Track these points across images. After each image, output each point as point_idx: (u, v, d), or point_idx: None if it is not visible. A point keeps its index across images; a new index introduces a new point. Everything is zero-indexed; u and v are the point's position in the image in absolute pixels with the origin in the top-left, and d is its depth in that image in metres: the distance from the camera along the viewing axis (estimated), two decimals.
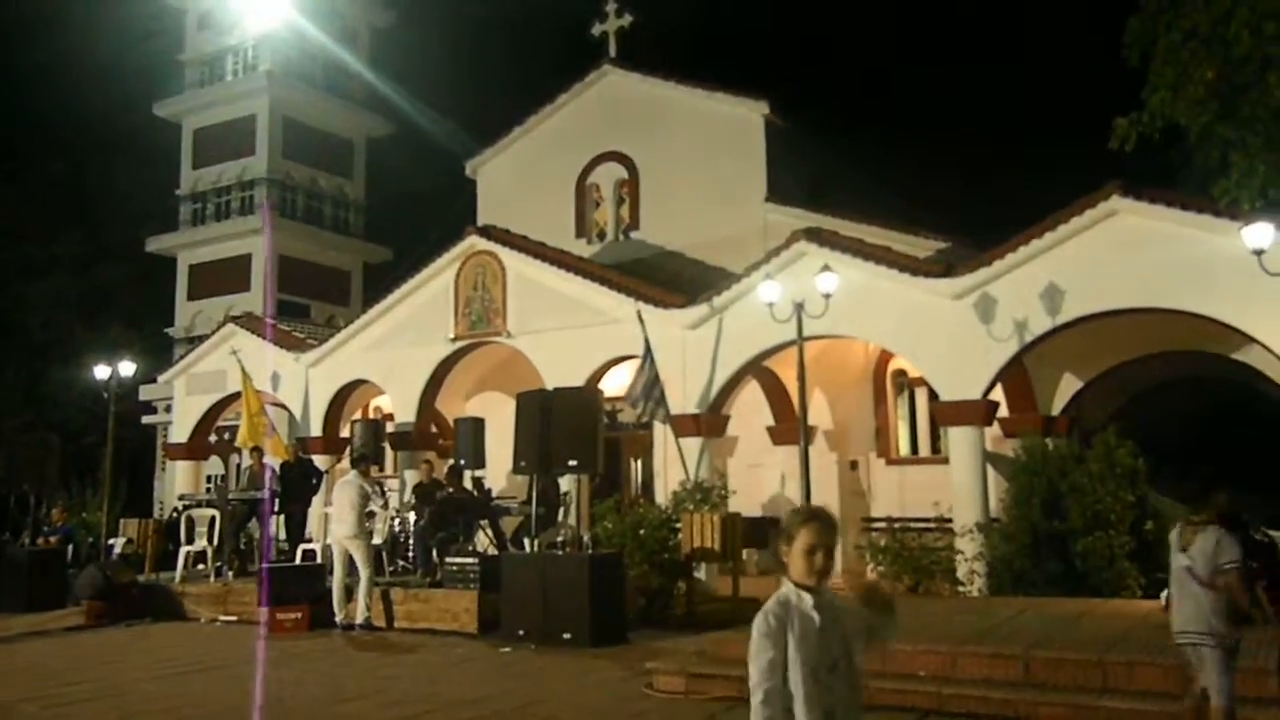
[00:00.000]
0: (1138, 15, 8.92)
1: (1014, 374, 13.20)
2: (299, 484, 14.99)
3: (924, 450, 16.27)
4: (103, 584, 13.17)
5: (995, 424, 13.39)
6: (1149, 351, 13.82)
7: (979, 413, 12.48)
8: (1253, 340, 11.30)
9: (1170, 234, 11.28)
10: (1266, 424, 13.87)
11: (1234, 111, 8.43)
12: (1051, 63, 41.79)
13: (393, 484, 17.07)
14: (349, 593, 11.70)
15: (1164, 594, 9.24)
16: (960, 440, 12.58)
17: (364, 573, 11.58)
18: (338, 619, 11.62)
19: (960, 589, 11.63)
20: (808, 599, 3.08)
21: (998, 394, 13.04)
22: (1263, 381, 12.97)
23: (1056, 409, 14.39)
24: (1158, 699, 6.36)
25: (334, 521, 11.89)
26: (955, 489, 12.48)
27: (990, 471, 12.55)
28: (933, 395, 13.36)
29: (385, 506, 12.44)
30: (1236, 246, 9.80)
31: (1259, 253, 9.45)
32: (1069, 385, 14.40)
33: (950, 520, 12.37)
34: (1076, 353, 13.66)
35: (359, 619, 11.48)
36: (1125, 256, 11.53)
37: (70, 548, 16.39)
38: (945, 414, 12.90)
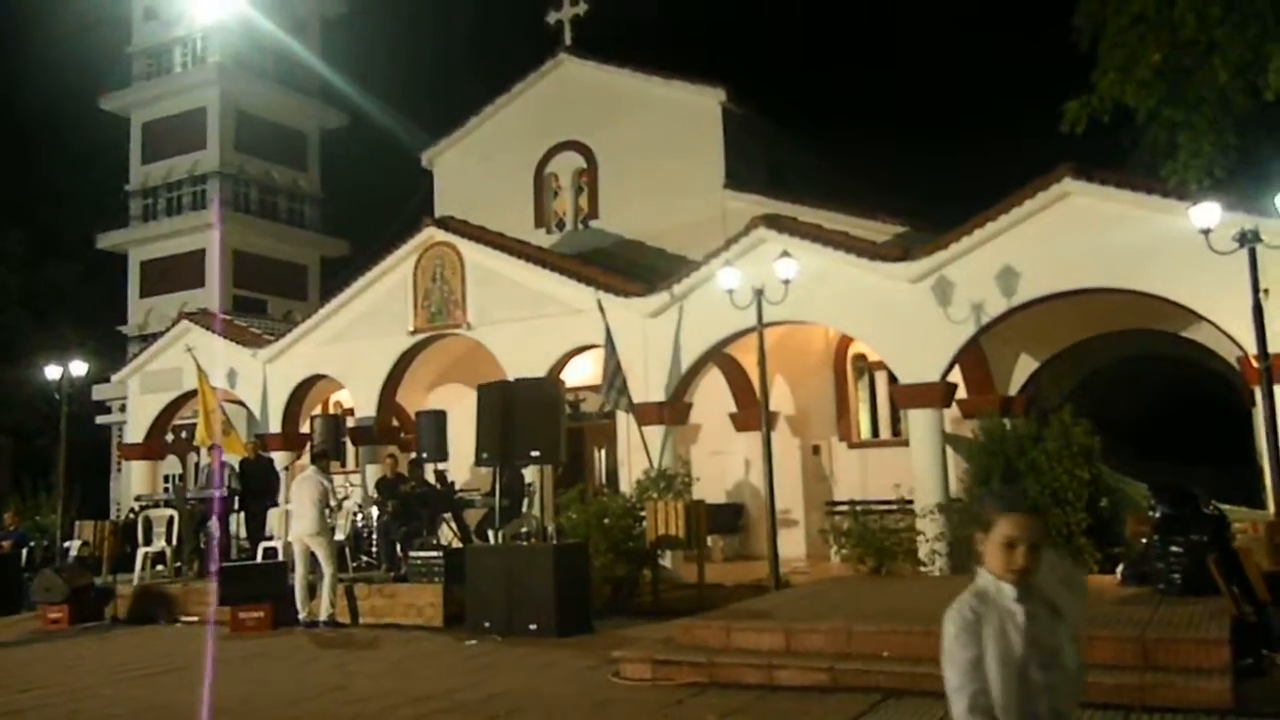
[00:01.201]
0: None
1: (971, 356, 13.36)
2: (260, 481, 14.81)
3: (885, 433, 16.43)
4: (59, 588, 12.93)
5: (954, 405, 13.55)
6: (1103, 331, 14.06)
7: (937, 395, 12.61)
8: (1201, 318, 11.53)
9: (1121, 215, 11.46)
10: (1216, 400, 14.16)
11: (1181, 94, 8.58)
12: (1004, 46, 42.24)
13: (354, 479, 16.92)
14: (312, 590, 11.59)
15: (1119, 568, 9.46)
16: (920, 422, 12.71)
17: (327, 570, 11.46)
18: (301, 616, 11.49)
19: (922, 569, 11.78)
20: (1008, 590, 2.67)
21: (956, 376, 13.19)
22: (1212, 358, 13.24)
23: (1014, 389, 14.60)
24: (1112, 671, 6.48)
25: (295, 518, 11.75)
26: (916, 471, 12.62)
27: (950, 452, 12.70)
28: (892, 378, 13.49)
29: (339, 508, 12.32)
30: (1184, 226, 9.97)
31: (1206, 232, 9.62)
32: (1025, 365, 14.60)
33: (911, 502, 12.51)
34: (1032, 333, 13.85)
35: (323, 616, 11.37)
36: (1078, 238, 11.69)
37: (24, 552, 16.09)
38: (904, 396, 13.02)
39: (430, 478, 14.08)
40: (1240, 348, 10.84)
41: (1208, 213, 9.61)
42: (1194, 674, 6.30)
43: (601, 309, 14.20)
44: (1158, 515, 8.78)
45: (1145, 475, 11.45)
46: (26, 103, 34.95)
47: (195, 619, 12.48)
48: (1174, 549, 8.35)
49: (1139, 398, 14.98)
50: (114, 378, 21.30)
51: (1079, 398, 13.30)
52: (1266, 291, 9.51)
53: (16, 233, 32.91)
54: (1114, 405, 13.79)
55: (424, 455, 13.94)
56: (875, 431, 16.62)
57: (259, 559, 13.38)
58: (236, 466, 15.02)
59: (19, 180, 33.93)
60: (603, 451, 18.12)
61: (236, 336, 18.86)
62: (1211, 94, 8.44)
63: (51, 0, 35.67)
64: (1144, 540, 9.06)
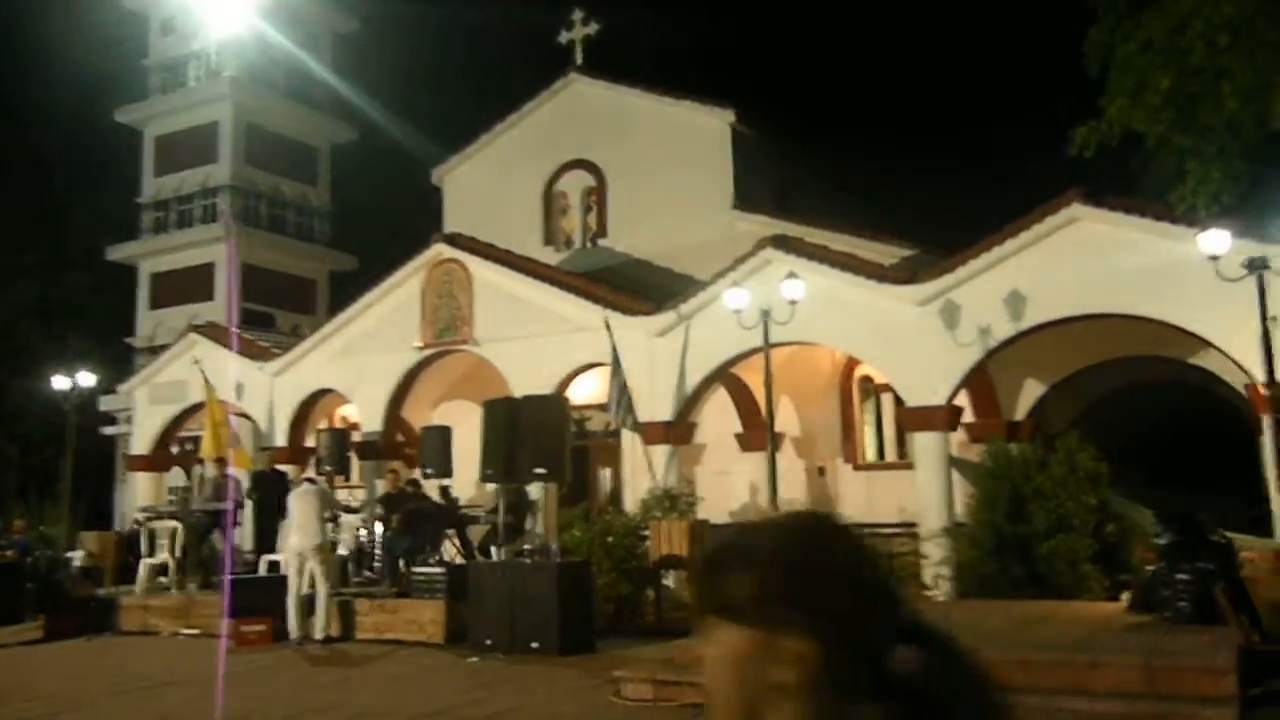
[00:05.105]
0: (1097, 26, 9.08)
1: (978, 379, 13.33)
2: (274, 494, 14.77)
3: (890, 456, 16.37)
4: (61, 598, 12.92)
5: (960, 429, 13.52)
6: (1110, 356, 14.02)
7: (944, 418, 12.59)
8: (1210, 345, 11.50)
9: (1129, 240, 11.46)
10: (1224, 427, 14.10)
11: (1190, 120, 8.59)
12: (1014, 71, 42.38)
13: (359, 494, 16.90)
14: (309, 604, 11.54)
15: (1125, 595, 9.40)
16: (926, 446, 12.67)
17: (324, 587, 11.41)
18: (293, 635, 11.37)
19: (926, 593, 11.72)
20: None
21: (962, 399, 13.17)
22: (1219, 385, 13.20)
23: (1020, 414, 14.56)
24: (1122, 699, 6.44)
25: (295, 532, 11.68)
26: (921, 494, 12.58)
27: (955, 476, 12.66)
28: (898, 401, 13.46)
29: (337, 520, 12.26)
30: (1193, 253, 9.97)
31: (1214, 259, 9.61)
32: (1032, 390, 14.57)
33: (916, 525, 12.47)
34: (1039, 358, 13.82)
35: (318, 634, 11.29)
36: (1086, 263, 11.69)
37: (28, 561, 16.07)
38: (910, 419, 12.99)
39: (432, 493, 14.05)
40: (1248, 375, 10.81)
41: (1217, 239, 9.61)
42: (1200, 703, 6.25)
43: (609, 327, 14.21)
44: (1164, 543, 8.73)
45: (1153, 502, 11.39)
46: (43, 114, 35.13)
47: (197, 631, 12.46)
48: (1181, 577, 8.29)
49: (1146, 424, 14.92)
50: (121, 389, 21.33)
51: (1086, 423, 13.26)
52: (1275, 319, 9.50)
53: (34, 246, 33.03)
54: (1121, 431, 13.73)
55: (429, 470, 13.92)
56: (881, 454, 16.57)
57: (262, 572, 13.35)
58: (247, 479, 14.99)
59: (33, 192, 34.11)
60: (607, 470, 18.10)
61: (244, 350, 18.90)
62: (1220, 121, 8.44)
63: (69, 14, 35.98)
64: (1150, 568, 9.01)
